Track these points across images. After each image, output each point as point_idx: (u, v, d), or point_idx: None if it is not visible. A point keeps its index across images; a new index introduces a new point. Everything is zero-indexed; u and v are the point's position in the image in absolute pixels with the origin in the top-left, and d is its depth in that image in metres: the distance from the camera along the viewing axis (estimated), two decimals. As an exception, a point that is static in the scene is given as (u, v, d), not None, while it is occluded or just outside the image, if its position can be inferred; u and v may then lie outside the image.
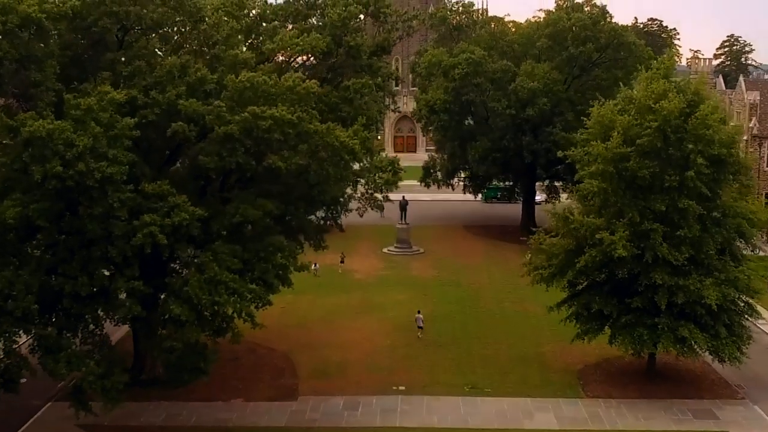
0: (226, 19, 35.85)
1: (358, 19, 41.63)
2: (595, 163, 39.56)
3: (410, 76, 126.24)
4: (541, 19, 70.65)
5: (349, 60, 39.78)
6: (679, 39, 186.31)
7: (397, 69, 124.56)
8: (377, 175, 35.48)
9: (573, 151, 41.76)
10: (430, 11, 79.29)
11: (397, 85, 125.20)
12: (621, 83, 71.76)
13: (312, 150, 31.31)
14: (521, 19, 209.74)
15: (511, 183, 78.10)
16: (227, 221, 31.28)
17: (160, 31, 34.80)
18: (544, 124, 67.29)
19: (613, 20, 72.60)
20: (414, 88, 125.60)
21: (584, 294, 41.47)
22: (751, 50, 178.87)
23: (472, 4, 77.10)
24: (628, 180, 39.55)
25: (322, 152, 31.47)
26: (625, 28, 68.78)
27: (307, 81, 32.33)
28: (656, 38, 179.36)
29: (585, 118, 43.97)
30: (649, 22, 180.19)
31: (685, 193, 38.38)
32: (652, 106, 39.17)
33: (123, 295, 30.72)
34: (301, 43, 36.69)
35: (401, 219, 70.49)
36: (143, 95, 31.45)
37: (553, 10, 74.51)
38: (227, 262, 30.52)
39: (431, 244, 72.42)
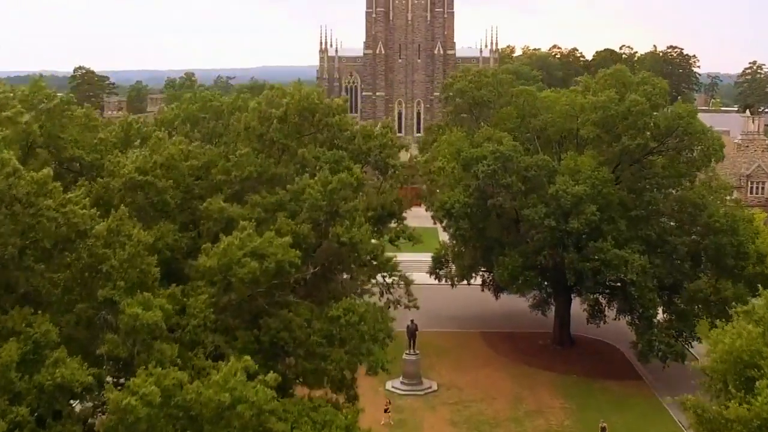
0: (129, 213, 20.64)
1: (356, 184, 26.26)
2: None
3: (415, 122, 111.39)
4: (585, 99, 55.07)
5: (339, 257, 24.74)
6: (699, 66, 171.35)
7: (400, 114, 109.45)
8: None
9: (688, 402, 26.50)
10: (444, 83, 63.69)
11: (400, 131, 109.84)
12: (685, 179, 57.29)
13: None
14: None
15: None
16: None
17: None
18: (591, 236, 51.92)
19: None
20: (419, 134, 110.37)
21: None
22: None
23: (498, 73, 61.65)
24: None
25: None
26: (692, 112, 53.24)
27: (261, 384, 17.20)
28: (675, 67, 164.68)
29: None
30: (669, 50, 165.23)
31: None
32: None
33: None
34: (261, 251, 21.54)
35: (409, 347, 55.03)
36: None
37: (596, 82, 59.37)
38: None
39: (445, 373, 56.79)
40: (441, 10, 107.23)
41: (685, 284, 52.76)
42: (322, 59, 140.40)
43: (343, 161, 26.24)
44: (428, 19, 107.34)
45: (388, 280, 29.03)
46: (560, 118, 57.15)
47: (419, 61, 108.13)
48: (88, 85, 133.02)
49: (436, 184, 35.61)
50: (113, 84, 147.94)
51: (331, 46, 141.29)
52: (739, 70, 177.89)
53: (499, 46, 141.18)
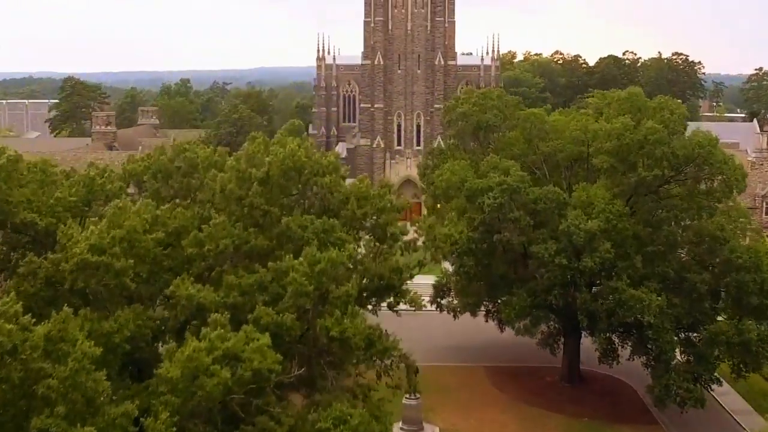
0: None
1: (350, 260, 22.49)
2: None
3: (414, 134, 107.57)
4: (598, 125, 51.23)
5: (328, 350, 21.06)
6: (704, 73, 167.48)
7: (399, 126, 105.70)
8: None
9: None
10: (446, 105, 59.79)
11: (399, 144, 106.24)
12: (704, 211, 53.48)
13: None
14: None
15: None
16: None
17: None
18: (604, 274, 48.26)
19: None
20: (418, 147, 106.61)
21: None
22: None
23: (504, 93, 57.88)
24: None
25: None
26: (713, 141, 49.44)
27: None
28: (680, 74, 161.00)
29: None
30: (674, 57, 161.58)
31: None
32: None
33: None
34: (235, 352, 17.87)
35: (410, 391, 51.46)
36: None
37: (608, 104, 55.76)
38: None
39: (447, 416, 52.82)
40: (442, 19, 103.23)
41: (706, 325, 49.17)
42: (319, 67, 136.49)
43: (333, 231, 22.53)
44: (429, 28, 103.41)
45: (387, 361, 25.39)
46: (570, 143, 53.45)
47: (419, 71, 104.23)
48: (78, 96, 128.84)
49: (443, 250, 31.96)
50: (105, 95, 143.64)
51: (329, 53, 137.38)
52: (740, 71, 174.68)
53: (500, 51, 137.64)
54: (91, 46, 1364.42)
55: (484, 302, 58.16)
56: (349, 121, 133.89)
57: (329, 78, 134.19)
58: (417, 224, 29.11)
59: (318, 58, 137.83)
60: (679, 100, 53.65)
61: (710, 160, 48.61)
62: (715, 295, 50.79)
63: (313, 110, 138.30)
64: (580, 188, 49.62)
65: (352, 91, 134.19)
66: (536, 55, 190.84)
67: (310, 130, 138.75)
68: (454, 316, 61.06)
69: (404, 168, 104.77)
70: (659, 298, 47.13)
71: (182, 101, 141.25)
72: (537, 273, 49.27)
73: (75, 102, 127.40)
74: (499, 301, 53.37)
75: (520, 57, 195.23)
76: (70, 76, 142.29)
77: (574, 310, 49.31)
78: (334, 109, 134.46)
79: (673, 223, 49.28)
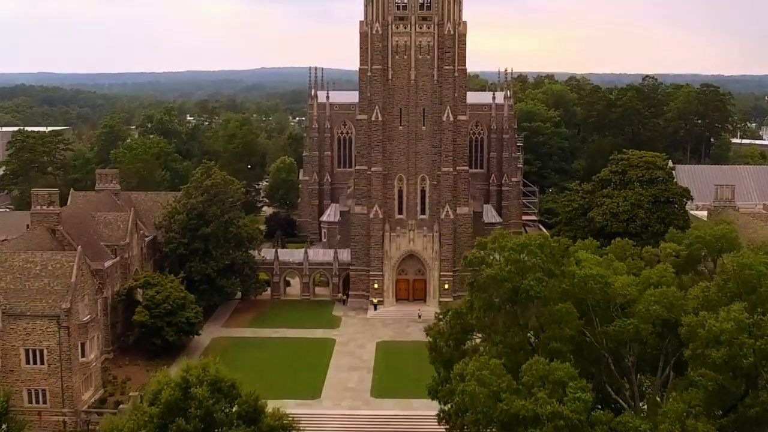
0: None
1: None
2: None
3: (419, 201, 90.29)
4: (693, 316, 33.95)
5: None
6: (733, 105, 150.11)
7: (400, 192, 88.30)
8: None
9: None
10: (466, 256, 41.79)
11: (401, 212, 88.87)
12: None
13: None
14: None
15: None
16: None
17: None
18: None
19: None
20: (423, 216, 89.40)
21: None
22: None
23: (547, 240, 40.43)
24: None
25: None
26: None
27: None
28: (709, 106, 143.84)
29: None
30: (704, 89, 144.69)
31: None
32: None
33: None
34: None
35: None
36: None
37: (711, 289, 38.80)
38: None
39: None
40: (451, 67, 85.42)
41: None
42: (311, 106, 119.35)
43: None
44: (435, 78, 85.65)
45: None
46: (646, 323, 36.28)
47: (424, 128, 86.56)
48: (29, 152, 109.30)
49: None
50: (66, 141, 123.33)
51: (322, 89, 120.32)
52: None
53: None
54: (90, 47, 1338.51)
55: None
56: (345, 166, 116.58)
57: (322, 118, 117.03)
58: None
59: (310, 96, 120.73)
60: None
61: None
62: None
63: (305, 154, 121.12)
64: (671, 416, 32.50)
65: (347, 133, 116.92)
66: (547, 77, 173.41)
67: (302, 176, 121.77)
68: None
69: (406, 241, 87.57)
70: None
71: (159, 143, 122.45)
72: None
73: (26, 158, 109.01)
74: None
75: (529, 75, 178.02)
76: (20, 130, 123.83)
77: None
78: (328, 153, 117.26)
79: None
